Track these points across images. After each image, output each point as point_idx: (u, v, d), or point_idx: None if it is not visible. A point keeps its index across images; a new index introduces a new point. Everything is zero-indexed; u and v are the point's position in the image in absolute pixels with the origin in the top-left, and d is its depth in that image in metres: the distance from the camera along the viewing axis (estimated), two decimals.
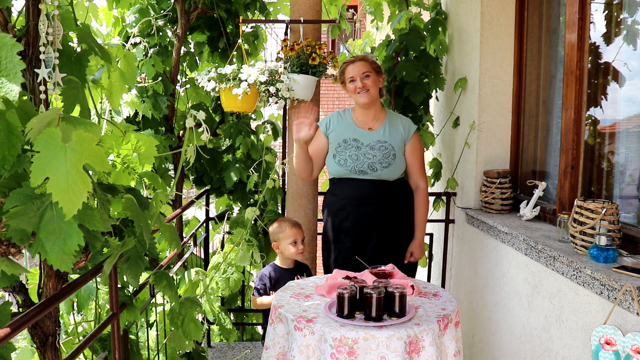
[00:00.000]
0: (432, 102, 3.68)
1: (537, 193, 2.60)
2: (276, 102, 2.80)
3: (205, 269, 3.31)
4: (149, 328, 2.54)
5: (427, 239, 3.55)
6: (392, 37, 3.59)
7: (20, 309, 1.55)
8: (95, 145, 1.12)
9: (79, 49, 1.51)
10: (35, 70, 1.38)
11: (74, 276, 1.74)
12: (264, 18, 3.75)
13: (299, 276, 2.54)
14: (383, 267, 2.21)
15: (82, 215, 1.21)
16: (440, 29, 3.39)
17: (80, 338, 2.28)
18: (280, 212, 3.42)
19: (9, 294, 1.59)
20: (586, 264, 1.88)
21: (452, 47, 3.39)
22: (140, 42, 3.15)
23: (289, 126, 3.09)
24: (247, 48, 3.80)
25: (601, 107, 2.28)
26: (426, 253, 3.53)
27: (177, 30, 3.35)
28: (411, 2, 3.59)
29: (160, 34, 3.36)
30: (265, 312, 2.52)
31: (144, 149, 1.75)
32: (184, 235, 3.69)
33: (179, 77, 3.58)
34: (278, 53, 2.90)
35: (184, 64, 3.69)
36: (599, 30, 2.25)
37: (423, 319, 1.83)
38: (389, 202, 2.57)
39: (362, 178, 2.56)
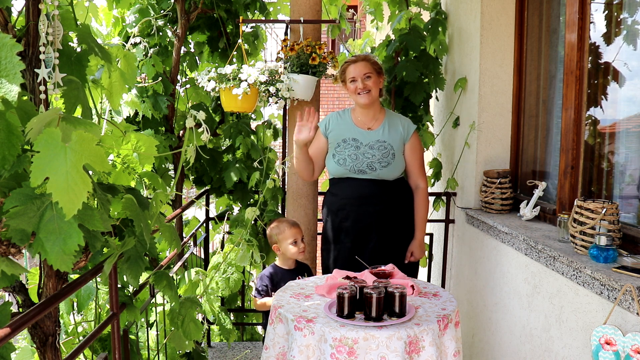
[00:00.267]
0: (432, 102, 3.68)
1: (537, 193, 2.60)
2: (276, 102, 2.80)
3: (205, 269, 3.31)
4: (149, 328, 2.54)
5: (427, 239, 3.55)
6: (392, 37, 3.59)
7: (20, 309, 1.55)
8: (95, 145, 1.12)
9: (79, 49, 1.50)
10: (35, 70, 1.38)
11: (74, 276, 1.74)
12: (264, 18, 3.75)
13: (300, 276, 2.54)
14: (383, 267, 2.21)
15: (82, 215, 1.21)
16: (440, 29, 3.39)
17: (80, 338, 2.28)
18: (280, 212, 3.42)
19: (9, 294, 1.59)
20: (586, 264, 1.88)
21: (452, 47, 3.39)
22: (140, 42, 3.15)
23: (289, 126, 3.09)
24: (247, 48, 3.80)
25: (601, 107, 2.28)
26: (426, 253, 3.53)
27: (177, 30, 3.35)
28: (411, 2, 3.59)
29: (160, 34, 3.36)
30: (266, 312, 2.52)
31: (144, 149, 1.75)
32: (184, 235, 3.69)
33: (179, 77, 3.58)
34: (278, 53, 2.90)
35: (184, 64, 3.69)
36: (599, 30, 2.26)
37: (423, 319, 1.83)
38: (389, 202, 2.57)
39: (361, 178, 2.56)
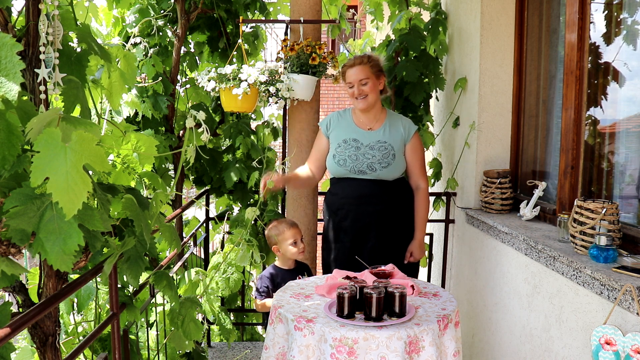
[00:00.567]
0: (432, 102, 3.68)
1: (537, 193, 2.60)
2: (276, 102, 2.80)
3: (205, 269, 3.31)
4: (149, 328, 2.54)
5: (427, 239, 3.55)
6: (392, 37, 3.59)
7: (20, 309, 1.55)
8: (95, 145, 1.12)
9: (79, 49, 1.51)
10: (35, 70, 1.38)
11: (74, 276, 1.74)
12: (264, 18, 3.75)
13: (300, 276, 2.54)
14: (383, 267, 2.21)
15: (82, 215, 1.21)
16: (440, 29, 3.39)
17: (80, 338, 2.28)
18: (280, 212, 3.43)
19: (9, 294, 1.59)
20: (586, 264, 1.88)
21: (452, 47, 3.39)
22: (140, 42, 3.15)
23: (289, 126, 3.09)
24: (247, 48, 3.80)
25: (601, 107, 2.28)
26: (426, 253, 3.53)
27: (177, 30, 3.35)
28: (411, 2, 3.59)
29: (160, 34, 3.36)
30: (266, 313, 2.52)
31: (144, 149, 1.75)
32: (184, 235, 3.69)
33: (179, 77, 3.58)
34: (278, 53, 2.91)
35: (184, 64, 3.69)
36: (599, 30, 2.26)
37: (423, 319, 1.83)
38: (389, 201, 2.57)
39: (361, 178, 2.56)
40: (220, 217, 3.62)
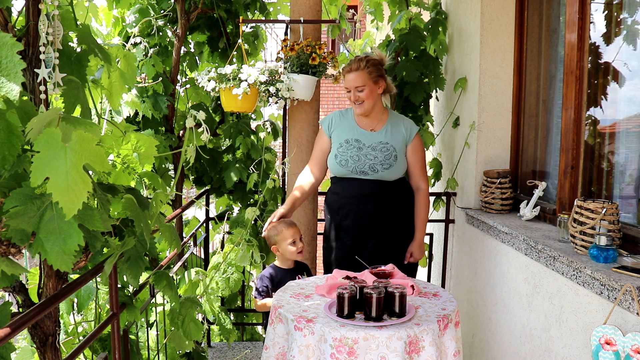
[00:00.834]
0: (432, 102, 3.68)
1: (537, 193, 2.60)
2: (276, 102, 2.80)
3: (205, 269, 3.31)
4: (149, 328, 2.54)
5: (427, 239, 3.55)
6: (392, 37, 3.59)
7: (20, 309, 1.55)
8: (95, 145, 1.12)
9: (79, 49, 1.51)
10: (35, 70, 1.38)
11: (74, 276, 1.74)
12: (264, 18, 3.75)
13: (299, 276, 2.54)
14: (383, 267, 2.21)
15: (82, 215, 1.21)
16: (440, 29, 3.39)
17: (80, 338, 2.28)
18: None
19: (9, 294, 1.59)
20: (586, 264, 1.88)
21: (452, 47, 3.39)
22: (140, 42, 3.15)
23: (289, 126, 3.09)
24: (247, 48, 3.80)
25: (601, 107, 2.28)
26: (426, 253, 3.53)
27: (177, 30, 3.35)
28: (411, 2, 3.59)
29: (160, 34, 3.36)
30: (266, 313, 2.52)
31: (144, 149, 1.75)
32: (184, 235, 3.69)
33: (179, 77, 3.58)
34: (278, 53, 2.91)
35: (184, 64, 3.69)
36: (599, 30, 2.26)
37: (423, 319, 1.83)
38: (389, 201, 2.57)
39: (362, 178, 2.56)
40: (220, 217, 3.62)
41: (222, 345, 3.58)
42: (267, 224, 2.55)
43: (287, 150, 3.24)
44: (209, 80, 2.71)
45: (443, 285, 3.49)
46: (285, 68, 2.82)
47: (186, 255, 3.08)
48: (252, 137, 3.61)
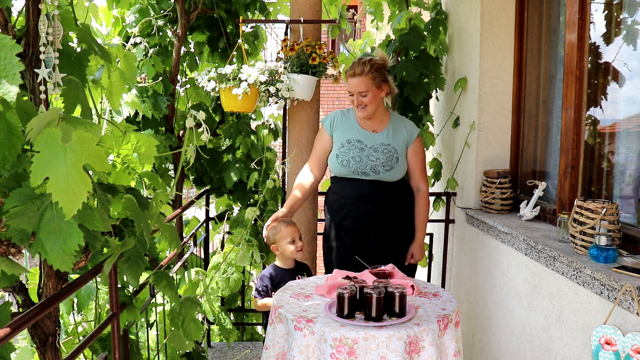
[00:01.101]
0: (432, 102, 3.68)
1: (537, 193, 2.60)
2: (276, 102, 2.80)
3: (205, 269, 3.31)
4: (149, 328, 2.54)
5: (427, 239, 3.55)
6: (392, 37, 3.59)
7: (20, 309, 1.55)
8: (95, 145, 1.12)
9: (79, 49, 1.51)
10: (35, 70, 1.38)
11: (74, 276, 1.74)
12: (264, 18, 3.75)
13: (300, 276, 2.54)
14: (383, 267, 2.21)
15: (82, 215, 1.21)
16: (440, 29, 3.39)
17: (80, 338, 2.28)
18: None
19: (9, 294, 1.59)
20: (586, 264, 1.88)
21: (452, 47, 3.39)
22: (140, 42, 3.15)
23: (289, 126, 3.09)
24: (247, 48, 3.80)
25: (601, 107, 2.28)
26: (426, 253, 3.53)
27: (177, 30, 3.35)
28: (411, 2, 3.59)
29: (160, 34, 3.36)
30: (266, 312, 2.52)
31: (144, 149, 1.75)
32: (184, 235, 3.69)
33: (179, 77, 3.58)
34: (278, 53, 2.90)
35: (184, 64, 3.69)
36: (599, 30, 2.26)
37: (423, 319, 1.83)
38: (390, 201, 2.58)
39: (363, 179, 2.56)
40: (220, 217, 3.62)
41: (222, 345, 3.58)
42: (266, 225, 2.55)
43: (287, 150, 3.24)
44: (209, 80, 2.71)
45: (443, 285, 3.49)
46: (285, 68, 2.82)
47: (186, 255, 3.08)
48: (252, 137, 3.61)
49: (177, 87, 3.50)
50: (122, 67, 1.71)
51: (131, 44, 3.13)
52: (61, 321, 2.28)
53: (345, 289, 1.82)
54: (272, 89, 2.72)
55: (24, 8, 1.43)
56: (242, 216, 3.33)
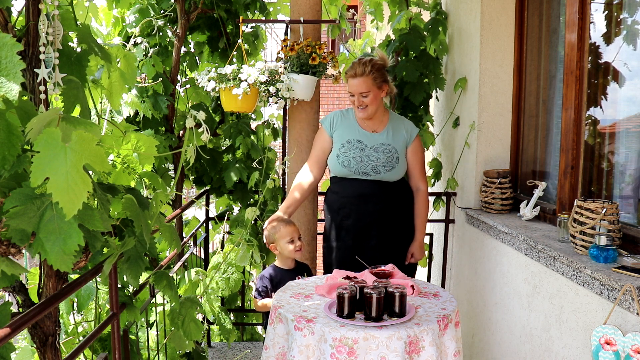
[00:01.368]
0: (432, 102, 3.68)
1: (537, 193, 2.60)
2: (276, 102, 2.80)
3: (205, 269, 3.31)
4: (149, 328, 2.54)
5: (427, 239, 3.55)
6: (392, 37, 3.59)
7: (20, 309, 1.55)
8: (95, 145, 1.12)
9: (79, 49, 1.51)
10: (35, 70, 1.38)
11: (74, 276, 1.74)
12: (264, 18, 3.75)
13: (300, 276, 2.54)
14: (383, 267, 2.21)
15: (82, 215, 1.21)
16: (440, 29, 3.39)
17: (80, 338, 2.28)
18: None
19: (9, 294, 1.59)
20: (586, 264, 1.88)
21: (452, 47, 3.39)
22: (140, 42, 3.15)
23: (289, 126, 3.09)
24: (247, 48, 3.80)
25: (601, 107, 2.28)
26: (426, 253, 3.53)
27: (177, 30, 3.35)
28: (411, 2, 3.59)
29: (161, 34, 3.36)
30: (266, 313, 2.52)
31: (144, 149, 1.75)
32: (184, 235, 3.69)
33: (179, 77, 3.58)
34: (278, 53, 2.90)
35: (184, 64, 3.69)
36: (599, 30, 2.25)
37: (423, 319, 1.83)
38: (390, 201, 2.58)
39: (363, 179, 2.56)
40: (220, 217, 3.62)
41: (222, 345, 3.58)
42: (265, 226, 2.55)
43: (287, 150, 3.24)
44: (209, 80, 2.71)
45: (443, 285, 3.49)
46: (285, 68, 2.82)
47: (186, 255, 3.08)
48: (252, 137, 3.62)
49: (177, 87, 3.50)
50: (122, 67, 1.71)
51: (131, 44, 3.13)
52: (61, 321, 2.28)
53: (345, 289, 1.82)
54: (272, 89, 2.72)
55: (24, 8, 1.43)
56: (242, 216, 3.33)
